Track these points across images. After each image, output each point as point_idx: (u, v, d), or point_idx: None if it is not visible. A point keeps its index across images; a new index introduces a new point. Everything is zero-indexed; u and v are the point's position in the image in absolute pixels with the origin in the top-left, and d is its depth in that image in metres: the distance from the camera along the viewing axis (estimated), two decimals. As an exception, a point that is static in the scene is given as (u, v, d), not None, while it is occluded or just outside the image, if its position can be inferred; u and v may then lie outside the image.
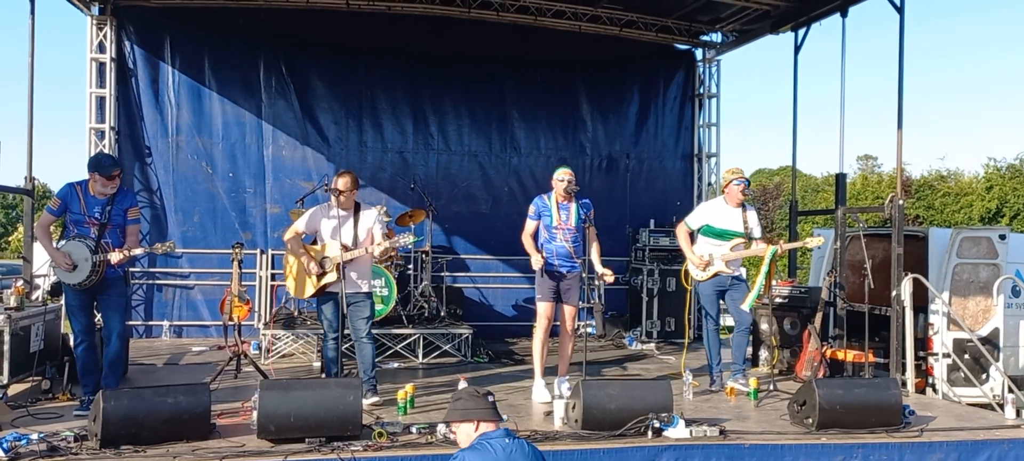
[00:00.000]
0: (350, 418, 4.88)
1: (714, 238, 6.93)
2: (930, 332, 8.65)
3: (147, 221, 9.60)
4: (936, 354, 8.45)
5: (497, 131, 10.81)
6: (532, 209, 6.49)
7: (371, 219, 6.24)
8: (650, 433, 5.09)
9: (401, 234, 6.33)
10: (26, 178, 7.79)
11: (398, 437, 4.97)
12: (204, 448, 4.65)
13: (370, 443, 4.78)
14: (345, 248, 5.99)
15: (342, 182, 6.08)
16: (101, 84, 9.56)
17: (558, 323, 6.61)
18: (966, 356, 8.50)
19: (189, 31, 9.87)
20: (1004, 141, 60.94)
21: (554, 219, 6.39)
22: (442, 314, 9.00)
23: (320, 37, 10.15)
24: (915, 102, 60.02)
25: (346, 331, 6.24)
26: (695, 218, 7.12)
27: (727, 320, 7.55)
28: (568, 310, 6.50)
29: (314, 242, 6.27)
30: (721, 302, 7.05)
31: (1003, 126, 59.56)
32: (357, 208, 6.19)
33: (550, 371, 6.63)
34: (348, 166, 10.14)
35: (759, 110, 72.79)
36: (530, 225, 6.47)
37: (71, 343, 6.08)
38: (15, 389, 6.20)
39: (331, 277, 6.02)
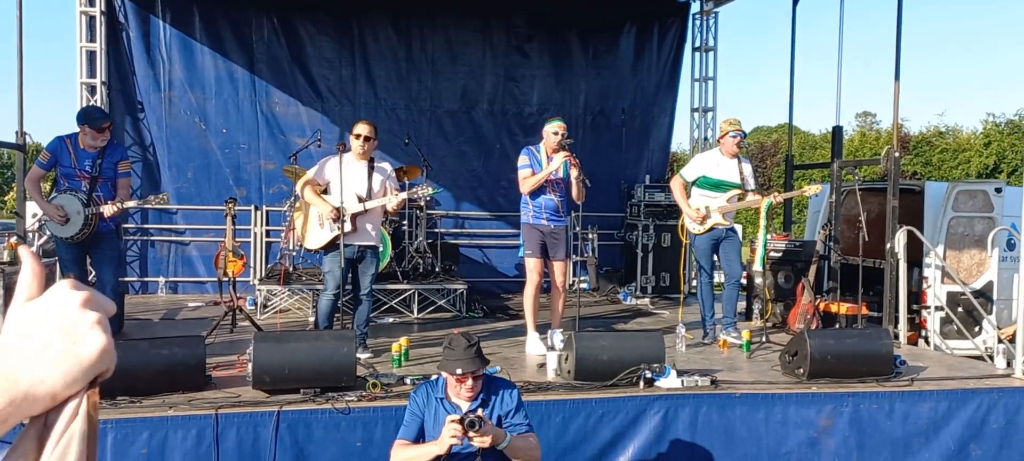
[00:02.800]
0: (344, 369, 4.90)
1: (710, 189, 6.89)
2: (924, 285, 8.69)
3: (139, 176, 9.55)
4: (929, 307, 8.50)
5: (490, 86, 10.72)
6: (524, 159, 6.41)
7: (386, 172, 6.15)
8: (642, 383, 5.13)
9: (421, 185, 6.31)
10: (17, 133, 7.74)
11: (392, 388, 5.00)
12: (200, 398, 4.68)
13: (364, 393, 4.81)
14: (360, 199, 5.92)
15: (366, 128, 5.94)
16: (91, 38, 9.43)
17: (549, 279, 6.61)
18: (959, 309, 8.54)
19: (179, -16, 9.74)
20: (1003, 97, 60.68)
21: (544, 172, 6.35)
22: (437, 270, 9.02)
23: (312, -10, 10.03)
24: (915, 58, 59.72)
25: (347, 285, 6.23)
26: (690, 170, 7.05)
27: (720, 275, 7.57)
28: (557, 266, 6.46)
29: (325, 191, 6.13)
30: (715, 257, 7.06)
31: (1002, 82, 59.30)
32: (371, 160, 6.07)
33: (545, 328, 6.65)
34: (342, 122, 10.08)
35: (758, 68, 72.33)
36: (525, 172, 6.42)
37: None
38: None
39: (345, 228, 5.89)
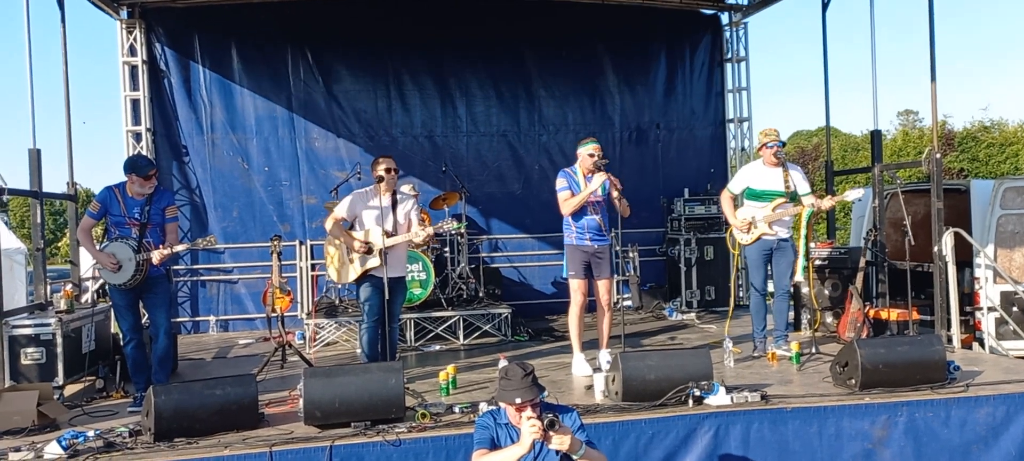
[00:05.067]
0: (393, 401, 4.96)
1: (755, 200, 6.91)
2: (976, 287, 8.48)
3: (186, 218, 9.81)
4: (982, 308, 8.29)
5: (525, 109, 10.81)
6: (562, 181, 6.45)
7: (409, 205, 6.34)
8: (691, 402, 5.10)
9: (446, 220, 6.46)
10: (68, 184, 7.99)
11: (441, 417, 5.04)
12: (254, 436, 4.76)
13: (414, 424, 4.85)
14: (387, 234, 6.08)
15: (388, 163, 6.18)
16: (134, 87, 9.75)
17: (594, 298, 6.61)
18: (1015, 309, 8.32)
19: (216, 30, 10.01)
20: (1050, 86, 58.98)
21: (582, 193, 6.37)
22: (481, 295, 9.07)
23: (344, 26, 10.21)
24: (955, 52, 58.49)
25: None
26: (736, 182, 7.12)
27: (770, 285, 7.47)
28: (601, 284, 6.48)
29: (352, 228, 6.34)
30: (768, 267, 7.00)
31: (1048, 71, 57.69)
32: (394, 194, 6.27)
33: (591, 346, 6.64)
34: (380, 153, 10.23)
35: (796, 72, 71.63)
36: (565, 194, 6.46)
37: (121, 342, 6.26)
38: (71, 389, 6.40)
39: (374, 261, 6.10)
